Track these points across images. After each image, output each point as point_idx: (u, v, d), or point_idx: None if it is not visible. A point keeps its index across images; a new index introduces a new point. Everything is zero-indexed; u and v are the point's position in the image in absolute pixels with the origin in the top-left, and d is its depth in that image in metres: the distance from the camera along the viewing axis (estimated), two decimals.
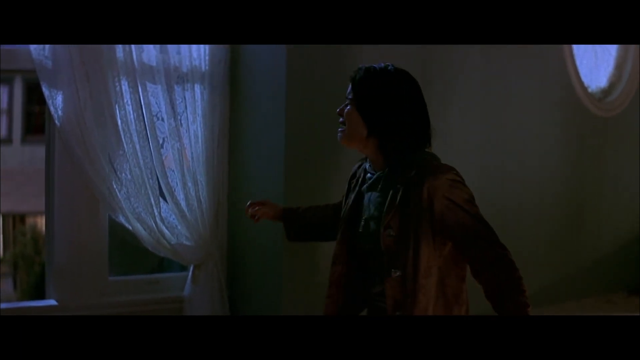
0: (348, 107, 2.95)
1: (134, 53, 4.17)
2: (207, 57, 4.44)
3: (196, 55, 4.41)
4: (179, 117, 4.36)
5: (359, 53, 4.54)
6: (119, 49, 4.13)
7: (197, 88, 4.42)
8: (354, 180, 3.11)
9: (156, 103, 4.30)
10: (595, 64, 6.32)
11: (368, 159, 3.05)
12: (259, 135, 4.49)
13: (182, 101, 4.39)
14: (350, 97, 2.95)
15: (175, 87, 4.37)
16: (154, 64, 4.28)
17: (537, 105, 5.63)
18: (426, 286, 2.83)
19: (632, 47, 6.47)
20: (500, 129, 5.43)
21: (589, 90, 6.13)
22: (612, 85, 6.42)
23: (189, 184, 4.36)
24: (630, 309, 4.76)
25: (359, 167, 3.15)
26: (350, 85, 2.97)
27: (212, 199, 4.45)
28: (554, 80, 5.78)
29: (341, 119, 2.98)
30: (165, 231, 4.29)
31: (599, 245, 6.30)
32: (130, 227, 4.21)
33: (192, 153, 4.39)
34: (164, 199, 4.31)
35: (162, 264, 4.68)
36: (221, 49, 4.49)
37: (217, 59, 4.46)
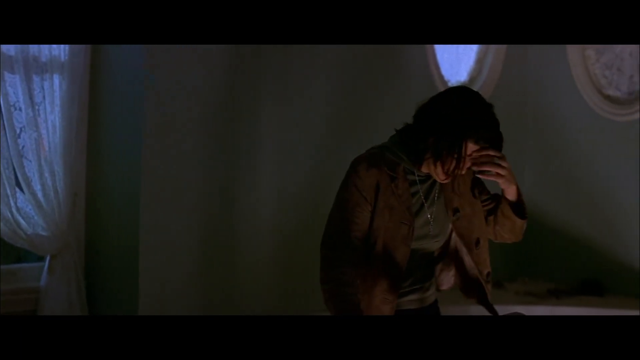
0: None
1: None
2: (66, 48, 4.43)
3: (55, 45, 4.40)
4: (37, 107, 4.35)
5: (219, 52, 4.61)
6: None
7: (56, 78, 4.41)
8: (392, 185, 2.96)
9: (14, 93, 4.28)
10: (456, 58, 6.42)
11: (401, 163, 2.99)
12: (118, 127, 4.52)
13: (40, 91, 4.37)
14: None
15: (34, 77, 4.35)
16: (13, 53, 4.25)
17: (399, 100, 5.67)
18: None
19: None
20: (363, 126, 5.44)
21: (449, 84, 6.25)
22: (472, 79, 6.51)
23: (46, 174, 4.35)
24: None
25: (381, 169, 2.98)
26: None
27: (69, 189, 4.45)
28: (416, 75, 5.83)
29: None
30: (22, 221, 4.29)
31: None
32: None
33: (49, 143, 4.38)
34: (21, 189, 4.31)
35: (19, 255, 4.66)
36: None
37: (76, 49, 4.45)
